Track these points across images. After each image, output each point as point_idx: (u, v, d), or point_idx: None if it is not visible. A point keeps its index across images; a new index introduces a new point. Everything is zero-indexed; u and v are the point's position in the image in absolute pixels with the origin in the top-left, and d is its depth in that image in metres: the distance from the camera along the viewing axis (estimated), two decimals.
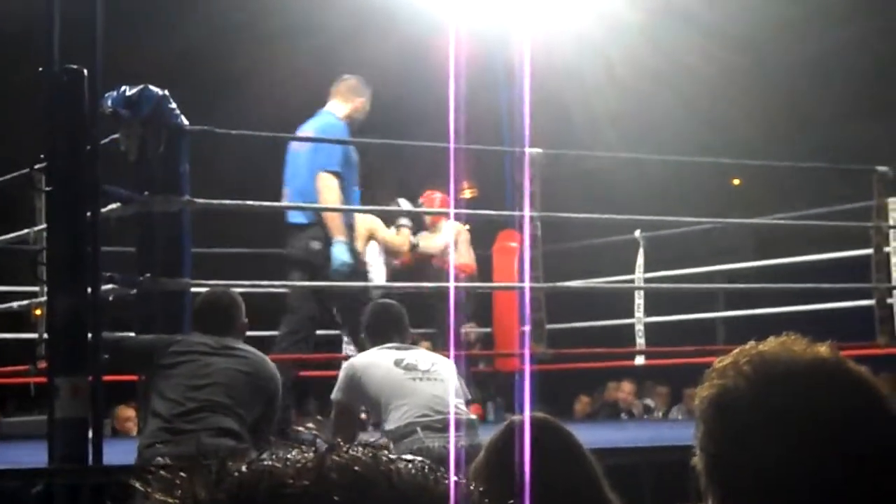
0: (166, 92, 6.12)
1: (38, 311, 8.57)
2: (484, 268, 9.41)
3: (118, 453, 5.61)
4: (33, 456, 5.84)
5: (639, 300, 9.71)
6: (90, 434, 5.18)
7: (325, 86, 7.84)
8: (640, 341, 9.70)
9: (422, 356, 5.86)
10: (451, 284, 6.98)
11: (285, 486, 0.77)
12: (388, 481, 0.78)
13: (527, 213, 7.14)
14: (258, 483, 0.78)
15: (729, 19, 11.63)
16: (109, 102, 5.99)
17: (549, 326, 7.58)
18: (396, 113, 9.03)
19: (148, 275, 6.03)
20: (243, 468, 0.79)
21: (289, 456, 0.79)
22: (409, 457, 0.81)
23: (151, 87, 6.09)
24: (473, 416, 5.82)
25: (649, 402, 11.85)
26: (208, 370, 5.40)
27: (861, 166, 8.60)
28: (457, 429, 5.42)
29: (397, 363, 5.71)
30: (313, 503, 0.77)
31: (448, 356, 6.08)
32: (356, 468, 0.77)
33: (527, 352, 7.46)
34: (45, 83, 5.38)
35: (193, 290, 6.30)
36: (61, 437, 5.12)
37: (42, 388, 6.45)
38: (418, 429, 5.37)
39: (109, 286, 5.93)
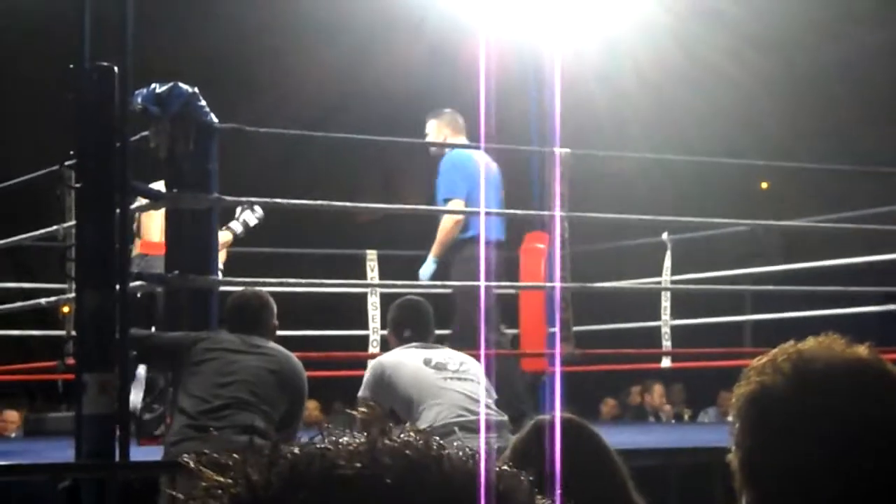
0: (196, 89, 6.13)
1: (65, 308, 8.61)
2: (511, 268, 9.39)
3: (145, 450, 5.62)
4: (60, 452, 5.87)
5: (665, 302, 9.68)
6: (117, 430, 5.18)
7: (354, 85, 7.85)
8: (667, 344, 9.67)
9: (450, 355, 5.85)
10: (482, 283, 6.96)
11: (337, 468, 0.77)
12: (439, 466, 0.78)
13: (556, 213, 7.12)
14: (310, 465, 0.78)
15: (758, 21, 11.60)
16: (139, 100, 6.01)
17: (575, 328, 7.55)
18: (424, 113, 8.98)
19: (176, 272, 6.03)
20: (296, 450, 0.79)
21: (341, 440, 0.79)
22: (459, 444, 0.81)
23: (181, 85, 6.10)
24: (505, 417, 5.82)
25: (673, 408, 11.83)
26: (234, 367, 5.41)
27: (891, 169, 8.56)
28: (491, 429, 5.40)
29: (426, 362, 5.69)
30: (365, 485, 0.77)
31: (475, 356, 6.05)
32: (408, 452, 0.77)
33: (557, 352, 7.44)
34: (75, 80, 5.39)
35: (221, 288, 6.31)
36: (88, 433, 5.13)
37: (70, 385, 6.47)
38: (456, 429, 5.35)
39: (138, 283, 5.94)
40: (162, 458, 5.35)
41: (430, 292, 7.71)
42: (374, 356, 8.19)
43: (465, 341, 6.66)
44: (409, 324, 5.98)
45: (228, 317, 5.77)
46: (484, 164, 7.64)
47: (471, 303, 7.14)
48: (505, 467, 0.82)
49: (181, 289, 6.10)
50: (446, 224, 7.79)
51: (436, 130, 8.03)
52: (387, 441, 0.78)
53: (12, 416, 9.28)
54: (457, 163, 7.80)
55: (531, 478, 0.86)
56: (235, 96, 9.71)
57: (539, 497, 0.83)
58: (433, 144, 8.04)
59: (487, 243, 7.43)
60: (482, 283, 7.11)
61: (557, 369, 7.06)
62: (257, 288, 6.07)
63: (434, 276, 7.72)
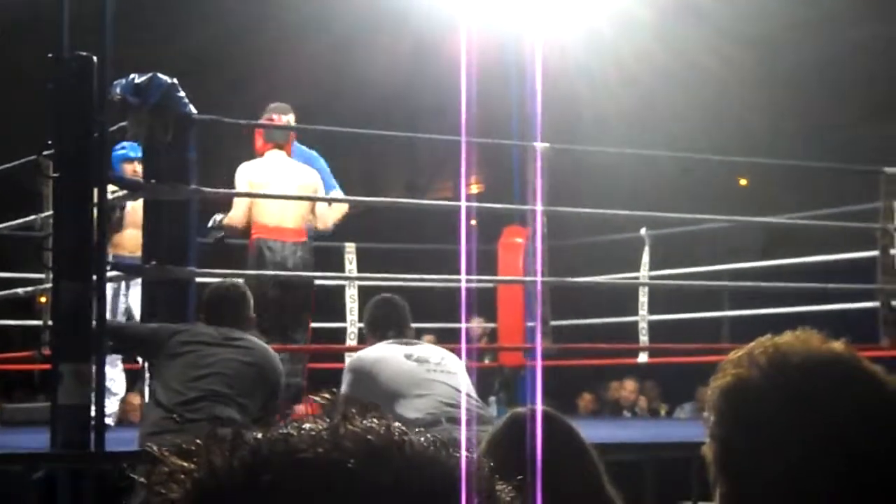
0: (175, 80, 6.11)
1: (42, 298, 8.57)
2: (489, 262, 9.40)
3: (121, 441, 5.61)
4: (36, 442, 5.85)
5: (643, 298, 9.70)
6: (92, 421, 5.18)
7: (338, 80, 7.86)
8: (644, 339, 9.69)
9: (429, 350, 5.85)
10: (462, 277, 6.96)
11: (300, 452, 0.77)
12: (401, 451, 0.78)
13: (537, 207, 7.13)
14: (272, 449, 0.78)
15: (741, 18, 11.62)
16: (118, 90, 5.99)
17: (553, 323, 7.56)
18: (406, 107, 9.02)
19: (153, 262, 6.02)
20: (258, 436, 0.79)
21: (303, 425, 0.79)
22: (421, 430, 0.82)
23: (160, 76, 6.08)
24: (489, 411, 5.80)
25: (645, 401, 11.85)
26: (210, 360, 5.42)
27: (869, 167, 8.59)
28: (477, 421, 5.40)
29: (407, 357, 5.69)
30: (328, 469, 0.77)
31: (454, 350, 6.05)
32: (370, 437, 0.78)
33: (538, 346, 7.45)
34: (54, 69, 5.37)
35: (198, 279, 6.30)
36: (64, 423, 5.13)
37: (46, 375, 6.45)
38: (443, 419, 5.34)
39: (114, 273, 5.93)
40: (137, 448, 5.33)
41: (408, 286, 7.72)
42: (352, 349, 8.21)
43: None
44: (387, 321, 5.96)
45: (206, 309, 5.76)
46: None
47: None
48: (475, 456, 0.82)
49: (158, 279, 6.09)
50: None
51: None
52: (349, 426, 0.79)
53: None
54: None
55: (508, 470, 0.86)
56: (221, 91, 9.71)
57: (503, 485, 0.83)
58: (417, 137, 8.04)
59: None
60: (462, 277, 7.11)
61: (539, 363, 7.07)
62: (235, 280, 6.05)
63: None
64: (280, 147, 7.61)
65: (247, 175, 7.46)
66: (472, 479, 0.81)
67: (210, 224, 7.45)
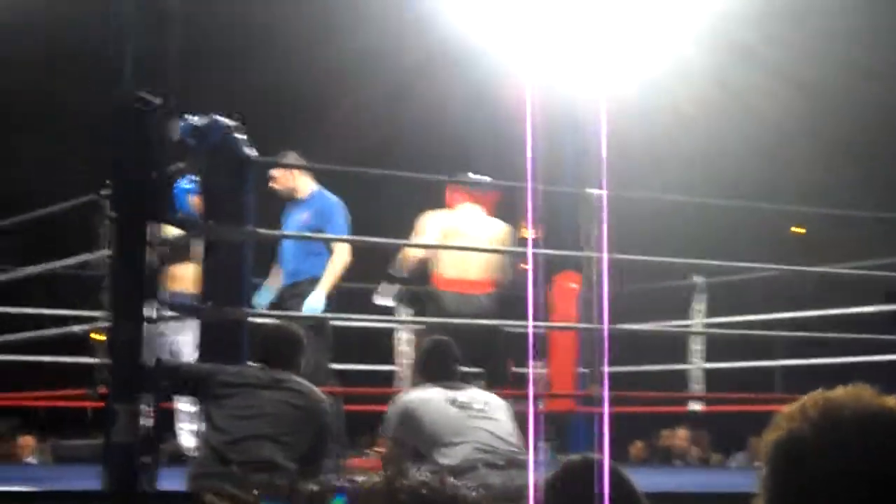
0: (234, 122, 6.17)
1: (96, 336, 8.64)
2: (540, 308, 9.38)
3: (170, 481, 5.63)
4: (87, 479, 5.88)
5: (696, 346, 9.65)
6: (144, 460, 5.20)
7: (396, 121, 7.91)
8: (697, 387, 9.64)
9: (474, 395, 5.85)
10: (530, 323, 6.97)
11: None
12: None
13: (589, 254, 7.13)
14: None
15: (797, 62, 11.59)
16: (178, 131, 6.04)
17: (607, 369, 7.55)
18: (461, 149, 9.05)
19: (209, 303, 6.06)
20: (314, 487, 0.80)
21: (358, 478, 0.80)
22: (472, 484, 0.83)
23: (219, 118, 6.14)
24: (528, 456, 5.79)
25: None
26: (257, 402, 5.45)
27: None
28: (517, 467, 5.39)
29: (451, 402, 5.70)
30: None
31: (501, 395, 6.05)
32: (424, 491, 0.79)
33: (606, 392, 7.46)
34: (114, 110, 5.43)
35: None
36: (117, 461, 5.14)
37: (99, 413, 6.49)
38: (479, 465, 5.35)
39: (171, 313, 5.97)
40: (187, 488, 5.36)
41: (462, 329, 7.71)
42: (397, 391, 8.22)
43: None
44: (434, 365, 5.98)
45: (259, 350, 5.80)
46: None
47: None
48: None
49: (214, 320, 6.12)
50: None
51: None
52: (404, 480, 0.80)
53: (28, 441, 9.31)
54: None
55: None
56: (280, 132, 9.77)
57: None
58: (472, 183, 8.04)
59: None
60: (530, 323, 7.11)
61: (606, 410, 7.02)
62: (290, 323, 6.09)
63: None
64: (476, 201, 7.79)
65: (436, 223, 7.67)
66: None
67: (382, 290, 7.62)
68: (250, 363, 5.81)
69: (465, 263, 7.73)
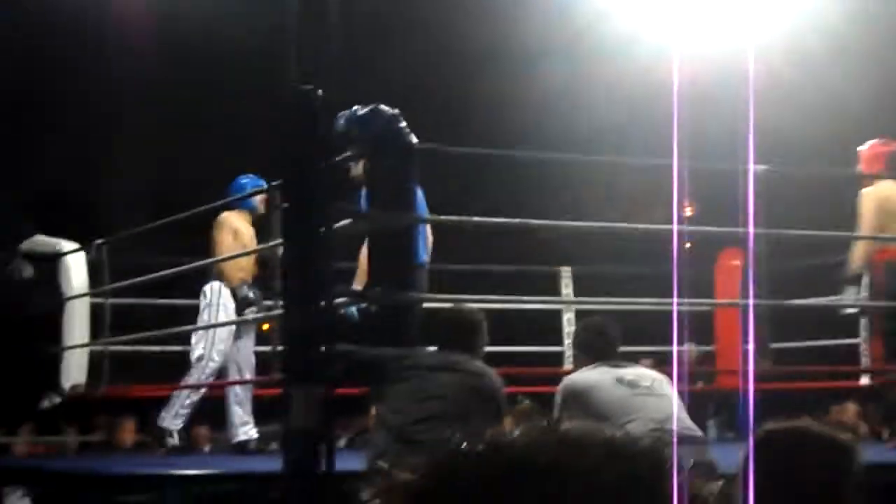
0: (397, 111, 6.28)
1: (265, 325, 8.84)
2: (706, 286, 9.36)
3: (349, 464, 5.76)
4: (266, 464, 6.05)
5: (864, 319, 9.52)
6: (323, 444, 5.32)
7: (547, 108, 7.93)
8: (865, 361, 9.51)
9: (640, 373, 5.85)
10: (674, 301, 6.97)
11: (502, 448, 0.82)
12: (604, 442, 0.83)
13: (751, 230, 7.09)
14: (477, 450, 0.83)
15: None
16: (342, 122, 6.17)
17: (772, 345, 7.50)
18: (620, 130, 9.06)
19: (377, 289, 6.17)
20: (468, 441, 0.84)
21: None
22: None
23: (382, 107, 6.25)
24: (700, 433, 5.79)
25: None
26: (433, 385, 5.51)
27: None
28: (689, 443, 5.39)
29: (619, 381, 5.70)
30: (526, 458, 0.81)
31: (668, 374, 6.05)
32: (571, 433, 0.82)
33: (750, 369, 7.40)
34: (282, 103, 5.56)
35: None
36: (295, 445, 5.27)
37: (275, 400, 6.64)
38: None
39: (342, 299, 6.10)
40: (365, 469, 5.47)
41: (622, 309, 7.75)
42: (569, 372, 8.27)
43: None
44: (598, 344, 5.98)
45: (439, 332, 5.86)
46: None
47: None
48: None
49: (383, 306, 6.24)
50: None
51: None
52: (554, 428, 0.84)
53: (203, 431, 9.55)
54: None
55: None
56: (438, 118, 9.87)
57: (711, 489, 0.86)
58: (630, 164, 8.05)
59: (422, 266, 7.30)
60: (674, 301, 7.10)
61: (750, 385, 6.99)
62: (472, 306, 6.14)
63: None
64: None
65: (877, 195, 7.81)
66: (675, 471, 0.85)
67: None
68: (427, 348, 5.89)
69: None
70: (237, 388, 8.32)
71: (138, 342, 8.96)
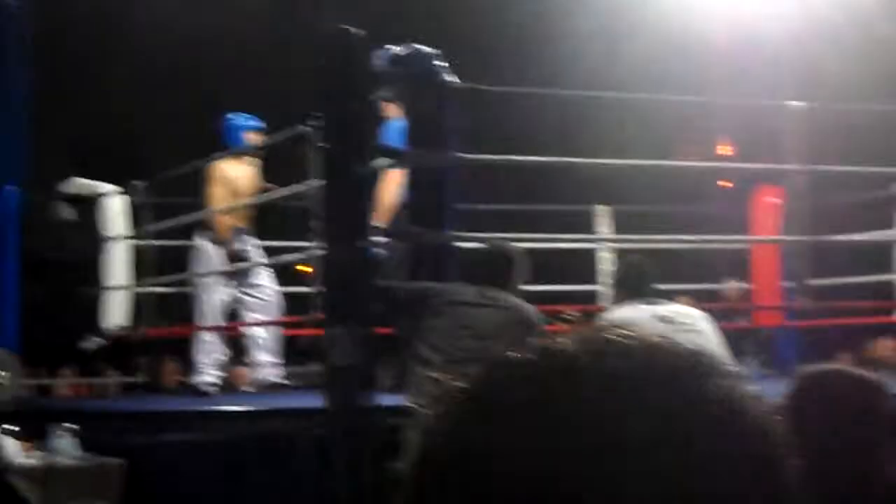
0: (435, 50, 6.28)
1: (302, 267, 8.85)
2: (743, 223, 9.35)
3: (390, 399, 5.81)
4: (306, 403, 6.11)
5: None
6: (365, 380, 5.38)
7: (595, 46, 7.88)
8: None
9: (677, 309, 5.87)
10: (715, 238, 6.98)
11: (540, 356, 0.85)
12: (645, 345, 0.85)
13: (791, 167, 7.09)
14: (519, 360, 0.86)
15: None
16: (381, 61, 6.18)
17: (810, 282, 7.50)
18: (652, 70, 9.03)
19: (416, 227, 6.21)
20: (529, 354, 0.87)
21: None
22: None
23: (420, 47, 6.26)
24: (737, 368, 5.81)
25: None
26: (469, 320, 5.53)
27: None
28: None
29: (657, 317, 5.72)
30: (557, 359, 0.84)
31: (706, 311, 6.07)
32: (610, 336, 0.85)
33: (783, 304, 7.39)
34: (319, 44, 5.58)
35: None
36: (339, 383, 5.33)
37: (314, 340, 6.69)
38: None
39: (380, 238, 6.14)
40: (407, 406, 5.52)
41: (662, 248, 7.76)
42: (603, 310, 8.30)
43: None
44: (636, 281, 5.99)
45: (473, 268, 5.87)
46: None
47: None
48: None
49: (421, 243, 6.28)
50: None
51: None
52: (599, 333, 0.87)
53: (241, 371, 9.57)
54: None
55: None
56: (486, 55, 9.85)
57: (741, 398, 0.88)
58: (667, 101, 8.04)
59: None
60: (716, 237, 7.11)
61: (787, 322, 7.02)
62: (505, 241, 6.13)
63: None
64: None
65: None
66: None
67: None
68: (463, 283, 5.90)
69: None
70: (260, 331, 8.37)
71: (180, 283, 9.01)
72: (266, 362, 8.39)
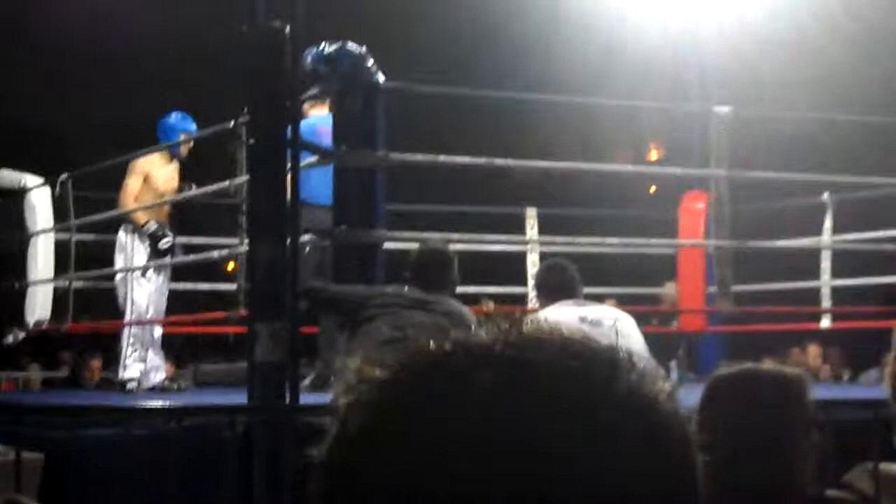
0: (364, 49, 6.27)
1: (230, 263, 8.83)
2: (670, 228, 9.41)
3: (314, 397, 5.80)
4: (230, 399, 6.09)
5: (825, 262, 9.61)
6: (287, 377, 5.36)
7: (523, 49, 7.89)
8: (826, 304, 9.61)
9: (602, 311, 5.90)
10: (641, 241, 7.02)
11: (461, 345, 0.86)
12: (561, 339, 0.87)
13: (715, 172, 7.14)
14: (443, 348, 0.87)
15: None
16: (309, 59, 6.16)
17: (734, 287, 7.56)
18: (583, 74, 9.06)
19: (343, 227, 6.19)
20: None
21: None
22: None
23: (349, 45, 6.24)
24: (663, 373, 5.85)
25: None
26: (403, 323, 5.51)
27: None
28: None
29: (582, 319, 5.74)
30: (478, 352, 0.85)
31: (632, 314, 6.11)
32: (534, 335, 0.86)
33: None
34: (248, 40, 5.55)
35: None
36: (261, 379, 5.31)
37: (240, 336, 6.66)
38: None
39: (306, 237, 6.11)
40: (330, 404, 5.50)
41: (585, 251, 7.80)
42: (534, 311, 8.32)
43: None
44: (559, 285, 6.00)
45: (411, 270, 5.83)
46: None
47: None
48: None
49: (348, 243, 6.25)
50: None
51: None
52: (517, 328, 0.88)
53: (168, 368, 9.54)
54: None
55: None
56: (416, 54, 9.84)
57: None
58: (595, 105, 8.07)
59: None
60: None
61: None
62: (443, 243, 6.10)
63: None
64: None
65: None
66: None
67: None
68: (397, 285, 5.87)
69: None
70: (136, 329, 8.24)
71: (104, 277, 8.94)
72: (157, 363, 8.33)
